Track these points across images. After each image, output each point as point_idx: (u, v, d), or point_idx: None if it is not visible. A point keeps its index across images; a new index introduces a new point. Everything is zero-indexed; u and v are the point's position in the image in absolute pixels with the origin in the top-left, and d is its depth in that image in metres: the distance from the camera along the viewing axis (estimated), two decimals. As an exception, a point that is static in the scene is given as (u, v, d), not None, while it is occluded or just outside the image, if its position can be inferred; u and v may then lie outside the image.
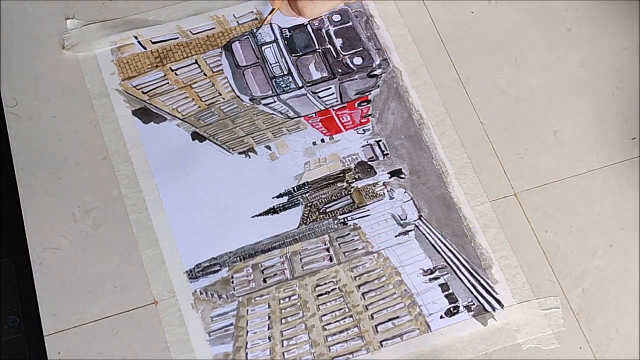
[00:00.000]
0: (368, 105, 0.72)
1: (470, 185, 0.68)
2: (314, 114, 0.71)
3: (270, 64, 0.73)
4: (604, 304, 0.64)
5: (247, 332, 0.62)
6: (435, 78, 0.73)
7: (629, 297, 0.65)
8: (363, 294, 0.64)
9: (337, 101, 0.72)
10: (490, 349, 0.62)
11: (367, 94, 0.72)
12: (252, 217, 0.67)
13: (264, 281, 0.64)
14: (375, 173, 0.69)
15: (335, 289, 0.64)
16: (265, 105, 0.71)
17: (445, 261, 0.65)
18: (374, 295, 0.64)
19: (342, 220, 0.67)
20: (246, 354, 0.62)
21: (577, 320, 0.64)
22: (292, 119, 0.71)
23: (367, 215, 0.67)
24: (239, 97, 0.71)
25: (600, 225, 0.67)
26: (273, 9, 0.73)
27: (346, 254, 0.66)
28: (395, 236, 0.66)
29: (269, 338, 0.62)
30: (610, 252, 0.66)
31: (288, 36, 0.74)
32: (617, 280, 0.65)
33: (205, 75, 0.72)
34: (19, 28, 0.73)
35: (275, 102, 0.71)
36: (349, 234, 0.66)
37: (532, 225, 0.67)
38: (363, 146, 0.70)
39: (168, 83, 0.71)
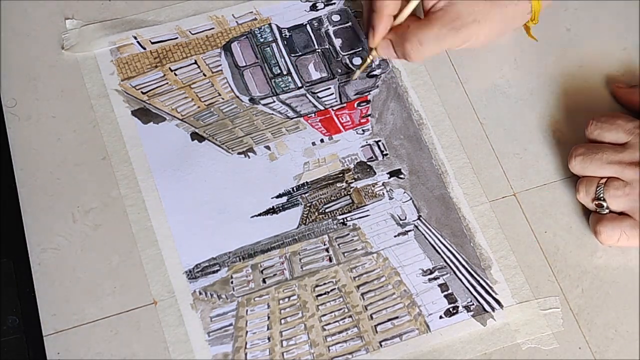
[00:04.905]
0: (367, 105, 0.72)
1: (469, 185, 0.68)
2: (313, 114, 0.71)
3: (270, 64, 0.73)
4: (603, 304, 0.64)
5: (247, 332, 0.62)
6: (435, 78, 0.73)
7: (628, 297, 0.65)
8: (362, 294, 0.64)
9: (336, 101, 0.72)
10: (489, 349, 0.62)
11: (366, 94, 0.72)
12: (252, 217, 0.67)
13: (264, 281, 0.64)
14: (375, 173, 0.69)
15: (334, 289, 0.64)
16: (264, 105, 0.71)
17: (445, 261, 0.65)
18: (374, 296, 0.64)
19: (342, 221, 0.67)
20: (245, 354, 0.62)
21: (576, 321, 0.64)
22: (292, 119, 0.71)
23: (367, 216, 0.67)
24: (238, 97, 0.71)
25: (599, 225, 0.67)
26: (371, 49, 0.69)
27: (345, 254, 0.66)
28: (395, 236, 0.66)
29: (269, 338, 0.62)
30: (610, 252, 0.66)
31: (287, 36, 0.74)
32: (617, 281, 0.65)
33: (205, 75, 0.72)
34: (19, 28, 0.73)
35: (274, 102, 0.71)
36: (348, 234, 0.66)
37: (532, 226, 0.67)
38: (362, 146, 0.70)
39: (167, 83, 0.71)
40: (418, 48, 0.66)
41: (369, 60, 0.70)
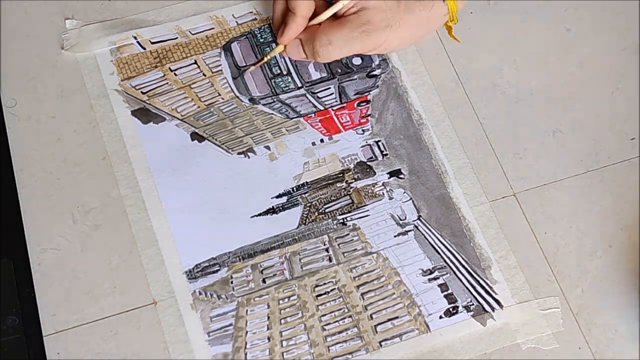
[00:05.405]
0: (367, 105, 0.72)
1: (469, 185, 0.68)
2: (313, 114, 0.71)
3: (270, 64, 0.73)
4: (603, 305, 0.64)
5: (247, 332, 0.62)
6: (435, 78, 0.73)
7: (628, 298, 0.65)
8: (362, 294, 0.64)
9: (336, 101, 0.72)
10: (489, 349, 0.62)
11: (366, 94, 0.72)
12: (252, 217, 0.67)
13: (263, 281, 0.64)
14: (375, 173, 0.69)
15: (334, 289, 0.64)
16: (264, 105, 0.71)
17: (445, 261, 0.65)
18: (373, 296, 0.64)
19: (342, 221, 0.67)
20: (245, 354, 0.62)
21: (576, 321, 0.64)
22: (292, 119, 0.71)
23: (367, 216, 0.67)
24: (238, 97, 0.71)
25: (599, 225, 0.67)
26: (278, 45, 0.70)
27: (345, 254, 0.66)
28: (395, 236, 0.66)
29: (268, 338, 0.62)
30: (610, 252, 0.66)
31: (287, 36, 0.74)
32: (617, 281, 0.65)
33: (205, 75, 0.72)
34: (19, 28, 0.73)
35: (274, 102, 0.71)
36: (348, 234, 0.66)
37: (532, 226, 0.67)
38: (362, 146, 0.70)
39: (167, 83, 0.71)
40: (327, 47, 0.68)
41: (266, 58, 0.71)
